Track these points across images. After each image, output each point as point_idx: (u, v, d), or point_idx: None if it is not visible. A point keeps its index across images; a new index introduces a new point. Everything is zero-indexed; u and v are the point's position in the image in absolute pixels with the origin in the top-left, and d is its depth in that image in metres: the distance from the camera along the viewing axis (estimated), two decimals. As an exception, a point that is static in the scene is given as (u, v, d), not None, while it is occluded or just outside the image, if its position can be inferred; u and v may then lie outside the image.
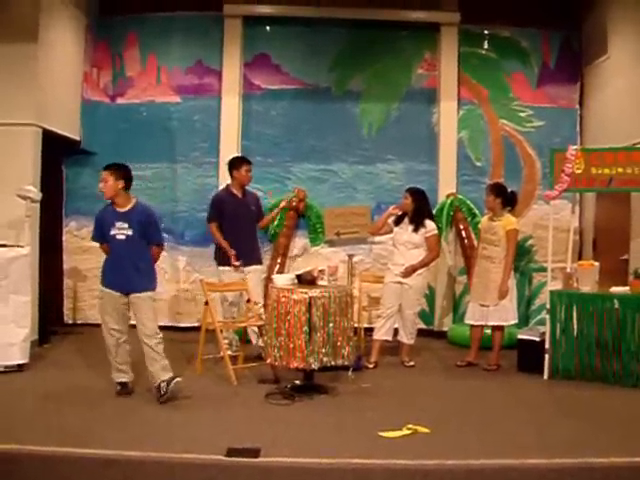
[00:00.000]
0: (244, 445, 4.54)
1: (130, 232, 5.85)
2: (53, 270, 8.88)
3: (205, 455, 4.37)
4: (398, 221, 7.44)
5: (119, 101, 9.40)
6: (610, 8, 8.63)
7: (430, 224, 7.41)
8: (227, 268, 7.35)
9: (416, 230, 7.31)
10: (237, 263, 7.25)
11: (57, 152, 8.80)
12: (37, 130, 7.66)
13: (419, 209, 7.39)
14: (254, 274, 7.50)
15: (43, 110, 7.77)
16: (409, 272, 7.23)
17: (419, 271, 7.32)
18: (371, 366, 7.24)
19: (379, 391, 6.30)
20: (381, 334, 7.39)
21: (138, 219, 5.88)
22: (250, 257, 7.45)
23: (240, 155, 7.87)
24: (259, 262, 7.69)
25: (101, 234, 5.98)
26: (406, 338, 7.43)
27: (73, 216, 9.29)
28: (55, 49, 8.17)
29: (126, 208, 5.91)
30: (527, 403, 5.97)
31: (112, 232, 5.86)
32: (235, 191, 7.53)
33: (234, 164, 7.56)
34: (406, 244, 7.32)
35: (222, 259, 7.40)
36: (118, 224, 5.85)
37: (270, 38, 9.47)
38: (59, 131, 8.27)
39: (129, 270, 5.86)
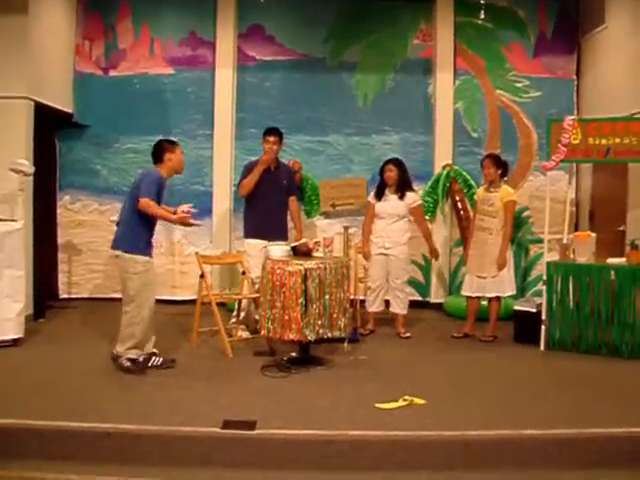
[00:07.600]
0: (240, 418, 4.54)
1: None
2: (47, 244, 8.83)
3: (201, 428, 4.38)
4: (380, 195, 7.42)
5: (112, 73, 9.27)
6: (607, -24, 8.53)
7: (412, 195, 7.46)
8: (250, 240, 7.19)
9: (401, 198, 7.33)
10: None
11: (50, 125, 8.73)
12: (29, 103, 7.60)
13: (404, 179, 7.42)
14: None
15: (35, 83, 7.70)
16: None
17: (403, 241, 7.35)
18: (366, 333, 7.37)
19: (375, 363, 6.30)
20: (375, 307, 7.51)
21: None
22: (275, 232, 7.17)
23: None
24: (284, 238, 7.29)
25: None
26: (399, 308, 7.46)
27: (67, 190, 9.22)
28: (46, 21, 8.08)
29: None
30: (524, 374, 5.97)
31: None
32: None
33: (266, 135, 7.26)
34: (391, 216, 7.33)
35: (245, 231, 7.33)
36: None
37: (264, 9, 9.33)
38: (52, 104, 8.20)
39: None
